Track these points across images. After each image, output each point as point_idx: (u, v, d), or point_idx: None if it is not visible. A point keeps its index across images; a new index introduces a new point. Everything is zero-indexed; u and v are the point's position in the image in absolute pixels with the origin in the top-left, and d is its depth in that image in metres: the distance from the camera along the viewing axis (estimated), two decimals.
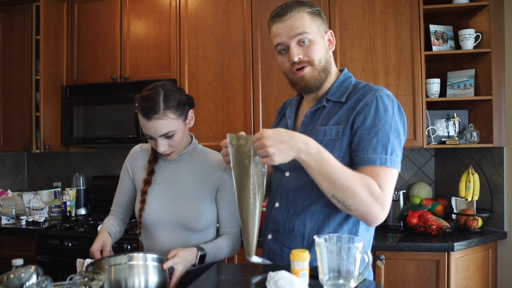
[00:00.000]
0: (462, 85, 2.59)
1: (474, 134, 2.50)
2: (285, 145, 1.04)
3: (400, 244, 2.21)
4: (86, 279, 0.98)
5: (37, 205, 2.97)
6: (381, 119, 1.14)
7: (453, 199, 2.58)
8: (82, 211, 3.18)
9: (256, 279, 1.11)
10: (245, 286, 1.08)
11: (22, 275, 0.97)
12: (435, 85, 2.57)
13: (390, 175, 1.12)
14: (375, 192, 1.07)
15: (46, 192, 3.15)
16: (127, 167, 1.59)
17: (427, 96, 2.56)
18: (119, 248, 2.37)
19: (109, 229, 1.51)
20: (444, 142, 2.57)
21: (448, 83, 2.64)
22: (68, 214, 3.01)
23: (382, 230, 2.46)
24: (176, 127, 1.40)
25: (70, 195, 3.06)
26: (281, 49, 1.26)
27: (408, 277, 2.21)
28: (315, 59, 1.22)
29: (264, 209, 1.37)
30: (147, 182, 1.51)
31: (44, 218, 2.84)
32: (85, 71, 3.01)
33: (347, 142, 1.17)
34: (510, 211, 2.42)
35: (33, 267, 1.00)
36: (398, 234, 2.41)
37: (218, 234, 1.55)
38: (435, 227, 2.29)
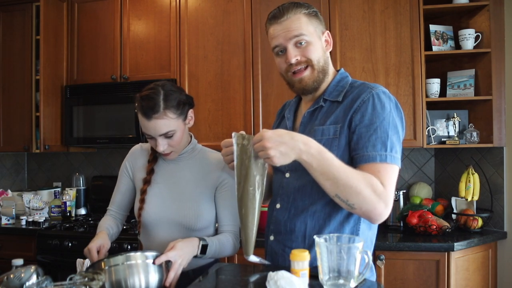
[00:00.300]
0: (462, 85, 2.59)
1: (474, 134, 2.50)
2: (286, 146, 1.04)
3: (400, 244, 2.21)
4: (86, 279, 0.98)
5: (37, 205, 2.97)
6: (378, 116, 1.14)
7: (453, 199, 2.58)
8: (82, 211, 3.18)
9: (256, 279, 1.11)
10: (245, 286, 1.08)
11: (22, 275, 0.97)
12: (435, 85, 2.57)
13: (391, 171, 1.12)
14: (378, 189, 1.06)
15: (46, 192, 3.15)
16: (126, 166, 1.59)
17: (427, 96, 2.56)
18: (119, 248, 2.37)
19: (107, 230, 1.50)
20: (444, 142, 2.57)
21: (448, 83, 2.64)
22: (68, 214, 3.01)
23: (382, 230, 2.46)
24: (176, 127, 1.40)
25: (70, 195, 3.06)
26: (278, 51, 1.26)
27: (408, 277, 2.21)
28: (313, 59, 1.23)
29: (265, 209, 1.37)
30: (147, 182, 1.51)
31: (44, 218, 2.84)
32: (85, 71, 3.01)
33: (345, 141, 1.17)
34: (510, 211, 2.42)
35: (33, 267, 1.00)
36: (398, 234, 2.41)
37: (217, 233, 1.55)
38: (435, 227, 2.29)
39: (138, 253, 1.18)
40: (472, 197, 2.44)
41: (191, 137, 1.57)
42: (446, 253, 2.17)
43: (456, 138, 2.54)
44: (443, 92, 2.64)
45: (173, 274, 1.23)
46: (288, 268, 0.98)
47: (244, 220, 1.12)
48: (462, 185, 2.46)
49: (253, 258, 1.16)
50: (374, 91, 1.18)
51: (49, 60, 2.91)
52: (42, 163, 3.50)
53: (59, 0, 3.00)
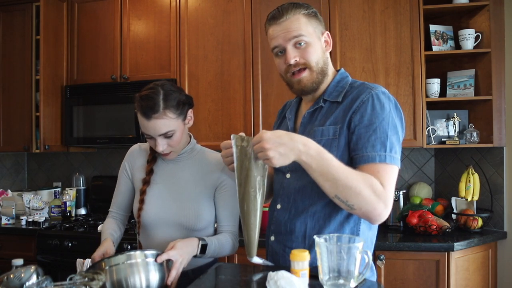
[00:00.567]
0: (462, 85, 2.59)
1: (474, 134, 2.50)
2: (285, 147, 1.03)
3: (400, 244, 2.21)
4: (86, 279, 0.98)
5: (37, 205, 2.97)
6: (378, 117, 1.14)
7: (453, 199, 2.58)
8: (82, 211, 3.18)
9: (256, 279, 1.11)
10: (245, 286, 1.08)
11: (22, 275, 0.97)
12: (435, 85, 2.57)
13: (391, 172, 1.12)
14: (377, 190, 1.06)
15: (46, 192, 3.15)
16: (125, 166, 1.59)
17: (427, 96, 2.56)
18: (119, 248, 2.35)
19: (111, 236, 1.49)
20: (444, 142, 2.57)
21: (448, 83, 2.64)
22: (68, 214, 3.01)
23: (382, 230, 2.46)
24: (175, 127, 1.40)
25: (70, 195, 3.06)
26: (277, 52, 1.26)
27: (408, 277, 2.21)
28: (312, 61, 1.23)
29: (266, 209, 1.38)
30: (146, 182, 1.50)
31: (44, 218, 2.84)
32: (85, 71, 3.01)
33: (344, 141, 1.17)
34: (510, 211, 2.42)
35: (33, 267, 1.00)
36: (398, 234, 2.41)
37: (216, 233, 1.55)
38: (435, 227, 2.29)
39: (138, 252, 1.18)
40: (472, 197, 2.44)
41: (190, 137, 1.57)
42: (446, 253, 2.16)
43: (456, 138, 2.54)
44: (443, 92, 2.64)
45: (175, 273, 1.23)
46: (288, 268, 0.98)
47: (246, 222, 1.12)
48: (462, 185, 2.46)
49: (256, 260, 1.16)
50: (374, 92, 1.18)
51: (49, 60, 2.91)
52: (42, 163, 3.50)
53: (59, 0, 3.00)
